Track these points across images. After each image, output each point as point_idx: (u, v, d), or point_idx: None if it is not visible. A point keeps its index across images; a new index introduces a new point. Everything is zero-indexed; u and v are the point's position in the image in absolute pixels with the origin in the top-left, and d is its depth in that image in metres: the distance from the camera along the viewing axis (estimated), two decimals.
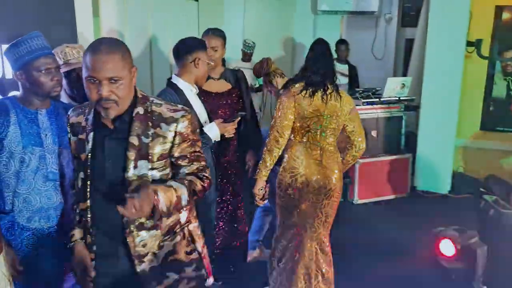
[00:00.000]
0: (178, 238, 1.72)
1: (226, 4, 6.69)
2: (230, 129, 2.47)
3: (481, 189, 5.04)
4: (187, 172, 1.68)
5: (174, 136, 1.64)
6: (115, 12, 5.02)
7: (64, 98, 2.39)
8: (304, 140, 2.63)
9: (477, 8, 5.02)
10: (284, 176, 2.65)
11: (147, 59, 5.52)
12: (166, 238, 1.68)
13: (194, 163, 1.70)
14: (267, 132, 2.68)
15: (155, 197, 1.49)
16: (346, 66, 5.77)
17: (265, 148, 2.61)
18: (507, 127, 5.42)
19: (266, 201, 3.46)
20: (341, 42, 5.76)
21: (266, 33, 6.36)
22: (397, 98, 4.97)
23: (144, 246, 1.63)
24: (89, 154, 1.63)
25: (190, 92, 2.46)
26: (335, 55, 5.70)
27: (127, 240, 1.62)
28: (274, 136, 2.58)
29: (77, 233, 1.73)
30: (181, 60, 2.45)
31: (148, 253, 1.64)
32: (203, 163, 1.73)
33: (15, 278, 1.90)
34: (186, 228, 1.77)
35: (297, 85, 2.61)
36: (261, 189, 2.67)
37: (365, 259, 3.60)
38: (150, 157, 1.61)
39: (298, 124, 2.60)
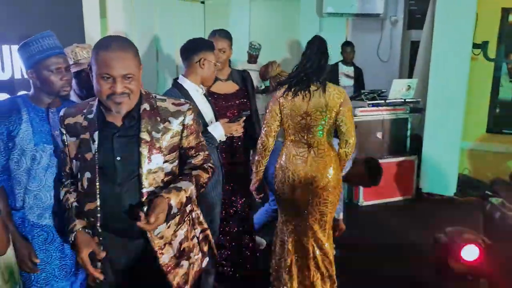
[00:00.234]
0: (186, 226, 1.80)
1: (232, 6, 6.72)
2: (235, 129, 2.45)
3: (487, 192, 5.03)
4: (193, 162, 1.77)
5: (183, 129, 1.72)
6: (122, 13, 5.05)
7: (74, 98, 2.41)
8: (293, 139, 2.68)
9: (483, 10, 5.01)
10: (278, 174, 2.74)
11: (153, 60, 5.55)
12: (178, 227, 1.75)
13: (200, 153, 1.80)
14: None
15: (169, 203, 1.57)
16: (352, 68, 5.78)
17: (256, 150, 2.77)
18: None
19: (270, 201, 3.49)
20: (347, 44, 5.77)
21: (271, 35, 6.39)
22: (402, 100, 4.97)
23: (161, 238, 1.69)
24: (96, 153, 1.63)
25: (196, 92, 2.46)
26: (340, 57, 5.74)
27: (147, 235, 1.66)
28: (261, 140, 2.73)
29: (78, 223, 1.68)
30: (187, 61, 2.47)
31: (165, 244, 1.70)
32: (206, 152, 1.84)
33: (31, 271, 1.93)
34: (190, 216, 1.85)
35: (282, 89, 2.68)
36: (258, 188, 2.83)
37: (370, 260, 3.60)
38: (162, 151, 1.67)
39: (286, 124, 2.67)
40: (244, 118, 2.49)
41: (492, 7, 5.21)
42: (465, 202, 4.94)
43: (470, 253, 2.71)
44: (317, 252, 2.73)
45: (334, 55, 5.78)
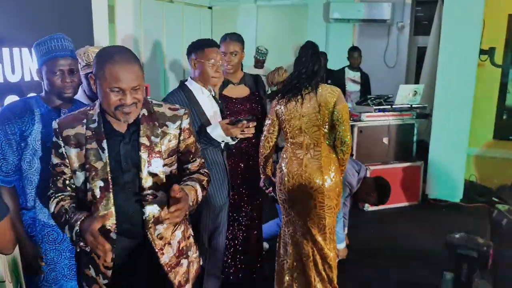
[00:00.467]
0: (183, 226, 1.83)
1: (239, 11, 6.77)
2: (235, 132, 2.38)
3: (494, 198, 5.02)
4: (190, 168, 1.83)
5: (180, 133, 1.76)
6: (130, 18, 5.10)
7: (83, 99, 2.43)
8: (291, 141, 2.72)
9: (490, 16, 5.01)
10: (277, 175, 2.78)
11: (160, 64, 5.60)
12: (175, 227, 1.78)
13: (197, 158, 1.86)
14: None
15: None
16: (359, 73, 5.78)
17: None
18: None
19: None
20: (354, 49, 5.78)
21: (278, 40, 6.42)
22: (409, 106, 4.96)
23: (161, 238, 1.72)
24: (107, 162, 1.64)
25: (202, 94, 2.46)
26: (347, 63, 5.76)
27: (148, 236, 1.70)
28: (262, 144, 2.82)
29: (81, 214, 1.63)
30: (189, 64, 2.51)
31: (165, 244, 1.74)
32: (202, 159, 1.90)
33: (36, 272, 1.94)
34: (186, 216, 1.86)
35: (277, 97, 2.76)
36: (267, 183, 2.91)
37: (375, 265, 3.60)
38: (162, 154, 1.71)
39: (284, 128, 2.72)
40: (247, 122, 2.41)
41: (499, 14, 5.21)
42: (471, 209, 4.91)
43: None
44: (317, 256, 2.73)
45: (341, 60, 5.83)
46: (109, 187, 1.64)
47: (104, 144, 1.64)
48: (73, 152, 1.65)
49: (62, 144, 1.66)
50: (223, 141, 2.42)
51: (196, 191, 1.71)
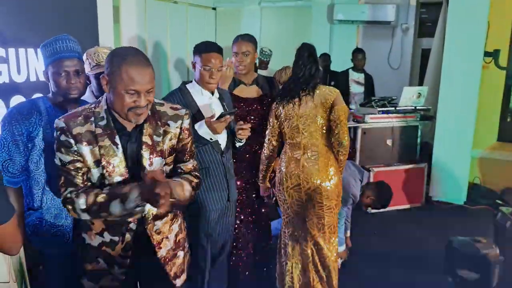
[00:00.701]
0: (179, 219, 1.92)
1: (243, 12, 6.77)
2: (218, 128, 2.32)
3: (498, 201, 5.00)
4: (183, 168, 1.85)
5: (180, 132, 1.79)
6: (135, 18, 5.11)
7: (91, 99, 2.43)
8: (290, 142, 2.74)
9: (495, 18, 5.00)
10: (277, 176, 2.80)
11: (164, 65, 5.60)
12: (172, 222, 1.86)
13: (191, 160, 1.88)
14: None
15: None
16: (362, 75, 5.78)
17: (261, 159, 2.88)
18: None
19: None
20: (358, 51, 5.78)
21: (282, 41, 6.42)
22: (413, 108, 4.96)
23: (159, 233, 1.80)
24: (122, 156, 1.67)
25: (201, 95, 2.46)
26: (351, 64, 5.75)
27: (147, 231, 1.77)
28: (264, 146, 2.84)
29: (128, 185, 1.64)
30: None
31: (163, 238, 1.81)
32: (195, 162, 1.92)
33: (33, 274, 1.95)
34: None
35: (276, 101, 2.78)
36: (267, 191, 2.92)
37: (378, 267, 3.59)
38: (163, 153, 1.75)
39: (284, 129, 2.74)
40: (229, 116, 2.36)
41: (504, 16, 5.20)
42: (475, 211, 4.90)
43: None
44: (316, 256, 2.73)
45: (345, 61, 5.83)
46: (126, 181, 1.68)
47: (117, 140, 1.66)
48: (86, 150, 1.64)
49: (73, 142, 1.63)
50: (211, 139, 2.39)
51: (183, 187, 1.72)
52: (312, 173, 2.64)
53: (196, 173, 1.89)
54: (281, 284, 2.87)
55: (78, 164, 1.65)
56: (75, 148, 1.63)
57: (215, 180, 2.49)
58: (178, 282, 1.89)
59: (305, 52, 2.71)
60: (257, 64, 5.63)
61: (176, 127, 1.78)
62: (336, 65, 5.91)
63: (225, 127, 2.41)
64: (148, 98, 1.62)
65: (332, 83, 5.77)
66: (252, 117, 2.90)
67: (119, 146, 1.66)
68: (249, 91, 2.93)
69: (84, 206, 1.63)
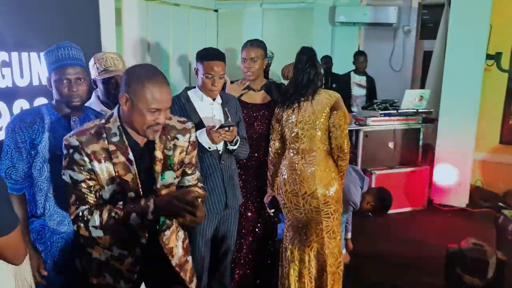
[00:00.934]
0: (183, 230, 1.93)
1: (245, 14, 6.77)
2: (215, 138, 2.31)
3: (500, 204, 5.00)
4: (191, 180, 1.91)
5: (188, 145, 1.83)
6: (137, 21, 5.12)
7: (96, 105, 2.44)
8: (290, 146, 2.74)
9: (497, 21, 5.00)
10: (279, 180, 2.80)
11: (166, 67, 5.61)
12: (177, 230, 1.88)
13: (196, 172, 1.93)
14: None
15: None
16: (364, 78, 5.77)
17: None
18: None
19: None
20: (360, 53, 5.77)
21: (284, 44, 6.40)
22: (415, 110, 4.95)
23: (168, 242, 1.82)
24: (136, 173, 1.68)
25: (200, 102, 2.44)
26: (353, 67, 5.75)
27: (160, 241, 1.80)
28: (269, 152, 2.85)
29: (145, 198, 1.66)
30: None
31: (172, 247, 1.83)
32: (199, 173, 1.97)
33: (38, 283, 1.94)
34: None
35: (277, 106, 2.79)
36: (271, 201, 2.85)
37: (380, 270, 3.59)
38: (174, 167, 1.78)
39: (285, 134, 2.75)
40: (228, 128, 2.32)
41: (506, 18, 5.19)
42: (477, 214, 4.90)
43: None
44: (313, 262, 2.72)
45: (346, 63, 5.82)
46: (140, 197, 1.69)
47: (131, 157, 1.67)
48: (101, 167, 1.63)
49: (88, 160, 1.61)
50: (209, 148, 2.39)
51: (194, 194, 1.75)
52: (308, 178, 2.63)
53: (201, 185, 1.94)
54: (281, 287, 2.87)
55: (91, 183, 1.64)
56: (89, 167, 1.62)
57: (212, 185, 2.46)
58: (193, 286, 1.93)
59: (304, 56, 2.70)
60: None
61: (185, 141, 1.81)
62: (338, 67, 5.91)
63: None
64: (166, 115, 1.65)
65: (334, 85, 5.77)
66: (259, 123, 2.87)
67: (133, 162, 1.67)
68: (256, 97, 2.91)
69: (98, 223, 1.63)
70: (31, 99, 2.65)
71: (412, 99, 4.89)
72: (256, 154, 2.89)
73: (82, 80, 1.97)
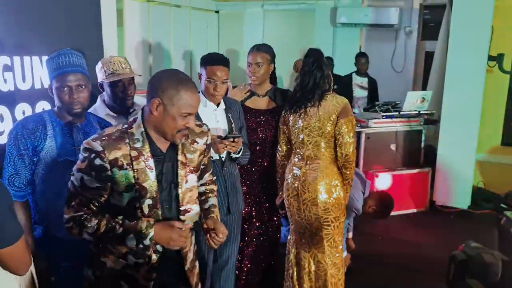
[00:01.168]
0: (192, 231, 1.92)
1: (246, 16, 6.77)
2: (219, 149, 2.30)
3: (502, 205, 4.98)
4: (208, 178, 2.00)
5: (206, 148, 1.88)
6: (138, 22, 5.12)
7: (102, 109, 2.43)
8: (296, 151, 2.73)
9: (499, 22, 4.98)
10: (284, 183, 2.79)
11: (167, 67, 5.60)
12: (192, 232, 1.89)
13: (211, 170, 2.01)
14: None
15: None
16: (366, 79, 5.76)
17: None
18: None
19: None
20: (361, 55, 5.76)
21: (285, 45, 6.39)
22: (416, 112, 4.94)
23: (185, 247, 1.82)
24: (155, 180, 1.67)
25: (204, 107, 2.41)
26: (354, 68, 5.74)
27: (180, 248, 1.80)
28: (276, 155, 2.85)
29: (145, 220, 1.66)
30: None
31: (187, 251, 1.84)
32: (212, 167, 2.04)
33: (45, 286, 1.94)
34: None
35: (284, 110, 2.78)
36: (281, 202, 2.84)
37: (382, 273, 3.58)
38: (195, 170, 1.82)
39: (291, 138, 2.74)
40: (233, 140, 2.31)
41: (508, 20, 5.18)
42: (479, 215, 4.89)
43: None
44: (312, 267, 2.71)
45: (348, 65, 5.81)
46: (157, 205, 1.68)
47: (152, 163, 1.66)
48: (121, 174, 1.61)
49: (109, 167, 1.60)
50: (211, 157, 2.33)
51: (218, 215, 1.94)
52: (309, 184, 2.62)
53: (215, 186, 2.06)
54: None
55: (102, 191, 1.64)
56: (109, 173, 1.60)
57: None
58: None
59: (310, 58, 2.66)
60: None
61: (203, 144, 1.85)
62: (339, 68, 5.90)
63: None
64: (193, 119, 1.69)
65: (335, 87, 5.75)
66: (262, 129, 2.85)
67: (153, 170, 1.66)
68: (260, 103, 2.88)
69: (93, 231, 1.62)
70: (33, 103, 2.66)
71: (414, 101, 4.88)
72: (260, 160, 2.88)
73: (83, 87, 1.97)
